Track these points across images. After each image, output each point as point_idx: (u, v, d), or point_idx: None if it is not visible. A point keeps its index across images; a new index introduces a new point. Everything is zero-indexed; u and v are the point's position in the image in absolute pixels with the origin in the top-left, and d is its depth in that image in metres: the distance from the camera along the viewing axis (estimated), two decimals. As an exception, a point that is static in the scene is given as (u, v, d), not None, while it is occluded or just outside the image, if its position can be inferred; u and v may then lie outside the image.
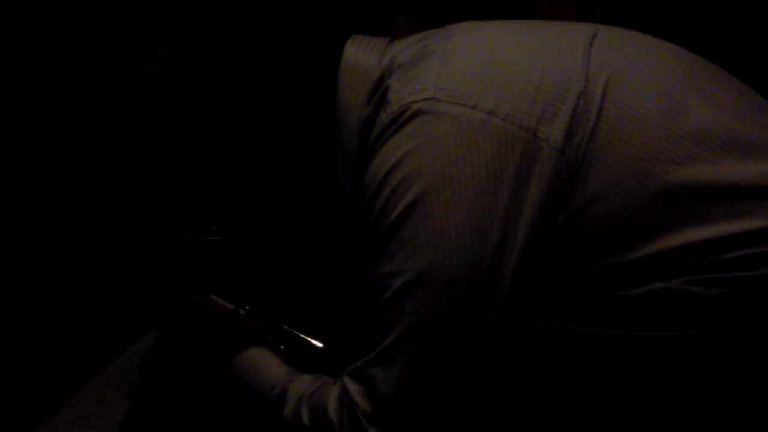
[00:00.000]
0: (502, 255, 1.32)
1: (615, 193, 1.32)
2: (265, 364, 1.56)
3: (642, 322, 1.34)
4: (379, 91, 1.44)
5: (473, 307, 1.32)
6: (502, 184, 1.32)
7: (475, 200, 1.32)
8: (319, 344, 1.76)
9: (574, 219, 1.33)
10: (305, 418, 1.41)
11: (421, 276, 1.31)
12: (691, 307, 1.32)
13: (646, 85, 1.38)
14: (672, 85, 1.39)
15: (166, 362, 1.69)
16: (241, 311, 1.74)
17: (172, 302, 1.69)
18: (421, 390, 1.34)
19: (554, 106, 1.34)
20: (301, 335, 1.76)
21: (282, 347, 1.70)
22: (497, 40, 1.43)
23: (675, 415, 1.38)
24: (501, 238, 1.32)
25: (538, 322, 1.39)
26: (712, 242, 1.31)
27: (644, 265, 1.32)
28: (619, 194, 1.32)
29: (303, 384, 1.47)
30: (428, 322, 1.32)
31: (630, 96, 1.36)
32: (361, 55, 1.50)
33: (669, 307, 1.32)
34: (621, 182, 1.32)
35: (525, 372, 1.42)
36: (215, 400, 1.62)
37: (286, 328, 1.76)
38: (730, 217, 1.31)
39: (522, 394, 1.44)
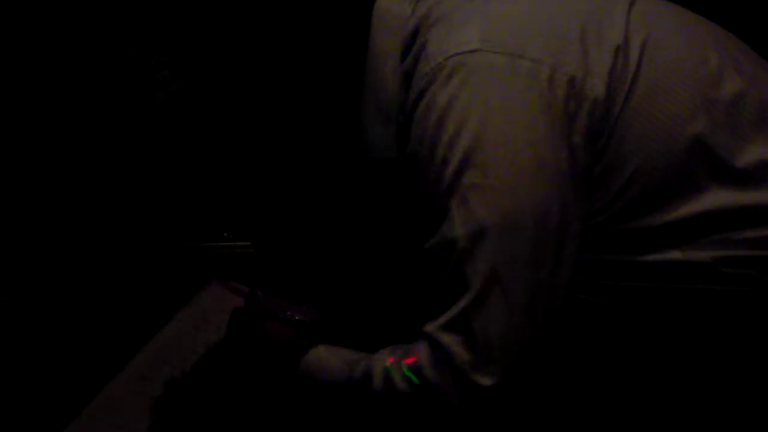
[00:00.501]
0: (565, 195, 1.34)
1: (644, 153, 1.36)
2: (330, 357, 1.56)
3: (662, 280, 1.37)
4: (416, 42, 1.45)
5: (550, 244, 1.35)
6: (554, 130, 1.34)
7: (532, 144, 1.34)
8: (335, 318, 1.82)
9: (606, 174, 1.37)
10: (400, 384, 1.42)
11: (494, 221, 1.33)
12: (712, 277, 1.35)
13: (682, 49, 1.41)
14: (706, 54, 1.42)
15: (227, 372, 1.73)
16: (259, 293, 1.81)
17: (238, 325, 1.71)
18: (519, 328, 1.35)
19: (596, 58, 1.36)
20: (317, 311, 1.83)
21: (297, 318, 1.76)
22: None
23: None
24: (563, 178, 1.34)
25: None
26: (735, 211, 1.35)
27: (666, 231, 1.36)
28: (648, 154, 1.35)
29: (383, 356, 1.47)
30: (511, 263, 1.34)
31: (667, 59, 1.39)
32: (394, 2, 1.51)
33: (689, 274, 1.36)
34: (651, 142, 1.36)
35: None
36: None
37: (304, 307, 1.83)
38: (759, 187, 1.35)
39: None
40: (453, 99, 1.35)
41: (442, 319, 1.37)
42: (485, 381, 1.34)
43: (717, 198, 1.35)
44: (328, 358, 1.56)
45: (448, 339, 1.36)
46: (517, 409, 1.36)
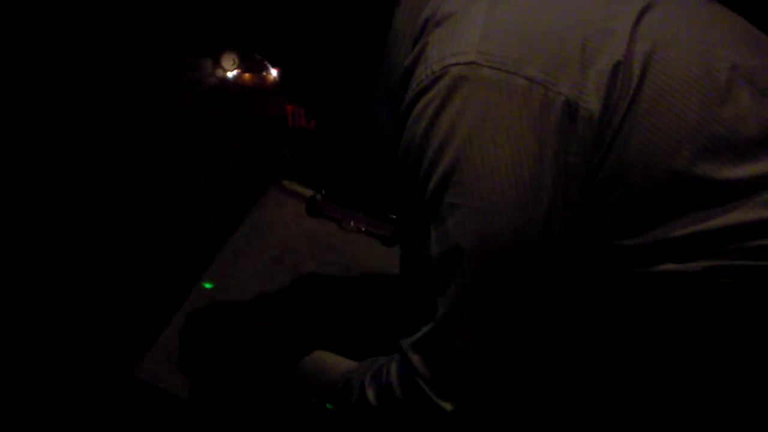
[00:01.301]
0: (551, 219, 1.30)
1: (643, 170, 1.32)
2: (326, 363, 1.57)
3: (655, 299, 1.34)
4: (421, 40, 1.42)
5: (528, 270, 1.30)
6: (546, 149, 1.30)
7: (518, 166, 1.29)
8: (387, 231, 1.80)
9: (602, 190, 1.32)
10: (372, 399, 1.41)
11: (470, 244, 1.29)
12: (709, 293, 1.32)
13: (691, 62, 1.36)
14: (718, 65, 1.37)
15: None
16: (318, 195, 1.80)
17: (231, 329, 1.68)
18: (482, 355, 1.32)
19: (594, 76, 1.32)
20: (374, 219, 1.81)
21: (361, 229, 1.74)
22: (542, 1, 1.39)
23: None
24: (549, 202, 1.30)
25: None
26: (737, 228, 1.31)
27: (662, 247, 1.32)
28: (647, 171, 1.32)
29: (362, 369, 1.47)
30: (484, 289, 1.30)
31: (671, 74, 1.35)
32: None
33: (684, 290, 1.33)
34: (650, 160, 1.31)
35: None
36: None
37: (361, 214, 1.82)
38: (757, 206, 1.31)
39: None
40: (441, 112, 1.32)
41: (414, 336, 1.36)
42: (446, 405, 1.33)
43: (722, 216, 1.31)
44: (320, 366, 1.57)
45: (416, 358, 1.35)
46: (481, 427, 1.35)
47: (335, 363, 1.55)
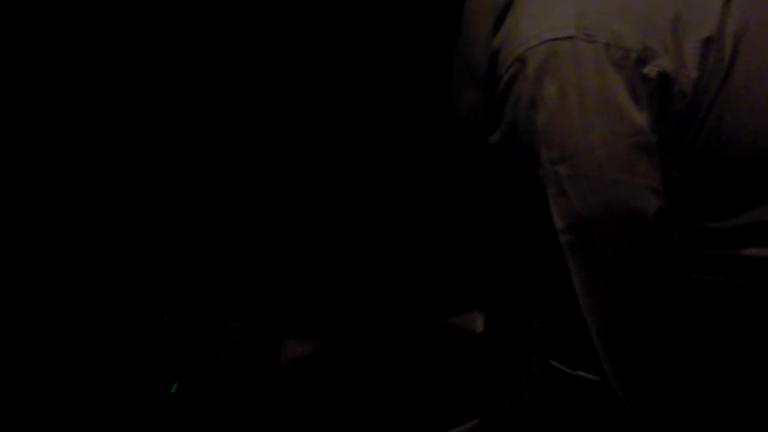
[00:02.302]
0: (658, 185, 1.34)
1: (732, 148, 1.36)
2: None
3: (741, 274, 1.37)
4: (509, 15, 1.43)
5: (647, 233, 1.34)
6: (645, 121, 1.33)
7: (626, 136, 1.32)
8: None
9: (692, 168, 1.36)
10: (525, 398, 1.44)
11: (594, 214, 1.33)
12: None
13: None
14: None
15: None
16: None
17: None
18: (615, 322, 1.35)
19: (688, 50, 1.35)
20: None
21: None
22: None
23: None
24: (657, 173, 1.34)
25: None
26: None
27: (749, 231, 1.35)
28: (736, 151, 1.36)
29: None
30: (612, 256, 1.34)
31: (764, 56, 1.38)
32: None
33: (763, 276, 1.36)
34: (741, 139, 1.36)
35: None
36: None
37: None
38: None
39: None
40: (545, 87, 1.34)
41: (546, 316, 1.39)
42: (586, 376, 1.36)
43: None
44: None
45: (549, 336, 1.39)
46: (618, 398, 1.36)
47: None
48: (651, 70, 1.33)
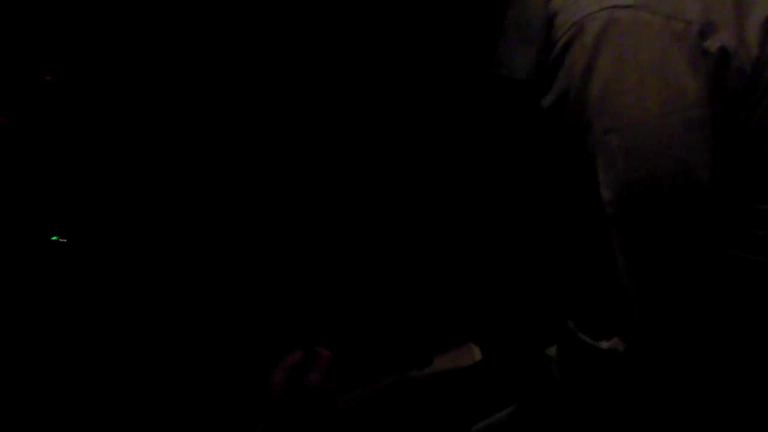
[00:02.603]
0: (709, 165, 1.32)
1: None
2: None
3: None
4: None
5: (695, 208, 1.33)
6: (703, 96, 1.32)
7: (683, 110, 1.31)
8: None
9: (745, 146, 1.35)
10: (555, 375, 1.45)
11: (643, 185, 1.32)
12: None
13: None
14: None
15: None
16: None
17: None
18: (651, 293, 1.34)
19: (748, 29, 1.34)
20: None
21: None
22: None
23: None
24: (710, 148, 1.32)
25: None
26: None
27: None
28: None
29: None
30: (658, 228, 1.32)
31: None
32: None
33: None
34: None
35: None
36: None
37: None
38: None
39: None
40: (602, 56, 1.33)
41: (584, 291, 1.38)
42: (606, 344, 1.37)
43: None
44: None
45: (581, 313, 1.39)
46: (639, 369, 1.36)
47: None
48: (712, 44, 1.32)
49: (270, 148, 2.16)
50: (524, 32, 1.46)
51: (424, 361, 1.91)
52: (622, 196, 1.33)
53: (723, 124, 1.34)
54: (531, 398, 1.53)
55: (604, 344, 1.36)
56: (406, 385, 1.76)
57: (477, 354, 1.92)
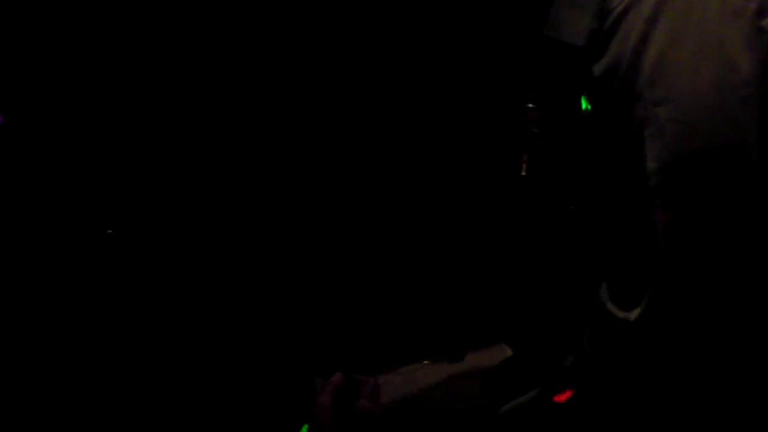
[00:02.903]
0: (760, 140, 1.31)
1: None
2: None
3: None
4: None
5: (742, 182, 1.32)
6: (757, 72, 1.31)
7: (736, 87, 1.31)
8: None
9: None
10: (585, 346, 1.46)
11: (691, 157, 1.31)
12: None
13: None
14: None
15: None
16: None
17: None
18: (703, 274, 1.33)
19: None
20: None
21: None
22: None
23: None
24: (758, 120, 1.31)
25: None
26: None
27: None
28: None
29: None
30: (703, 201, 1.32)
31: None
32: None
33: None
34: None
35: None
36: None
37: None
38: None
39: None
40: (661, 27, 1.34)
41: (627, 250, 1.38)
42: (630, 314, 1.37)
43: None
44: None
45: (608, 286, 1.40)
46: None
47: None
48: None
49: (272, 147, 2.18)
50: (578, 2, 1.46)
51: (457, 356, 1.95)
52: (668, 168, 1.33)
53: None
54: (559, 374, 1.55)
55: (630, 315, 1.37)
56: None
57: (508, 353, 1.95)
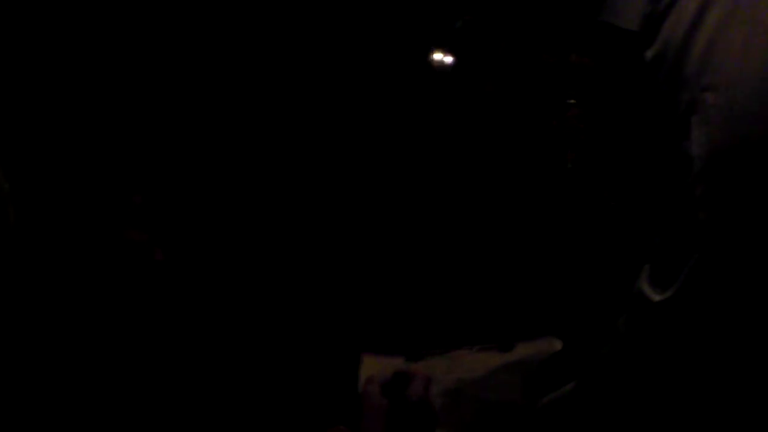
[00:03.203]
0: None
1: None
2: None
3: None
4: None
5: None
6: None
7: None
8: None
9: None
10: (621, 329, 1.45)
11: (736, 145, 1.30)
12: None
13: None
14: None
15: None
16: None
17: None
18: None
19: None
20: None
21: None
22: None
23: None
24: None
25: None
26: None
27: None
28: None
29: None
30: (744, 191, 1.31)
31: None
32: None
33: None
34: None
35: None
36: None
37: None
38: None
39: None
40: (713, 12, 1.33)
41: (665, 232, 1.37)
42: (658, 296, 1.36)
43: None
44: None
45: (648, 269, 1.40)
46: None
47: None
48: None
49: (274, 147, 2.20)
50: None
51: (507, 346, 1.95)
52: (713, 154, 1.31)
53: None
54: (596, 364, 1.53)
55: (666, 295, 1.35)
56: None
57: (557, 347, 1.95)
